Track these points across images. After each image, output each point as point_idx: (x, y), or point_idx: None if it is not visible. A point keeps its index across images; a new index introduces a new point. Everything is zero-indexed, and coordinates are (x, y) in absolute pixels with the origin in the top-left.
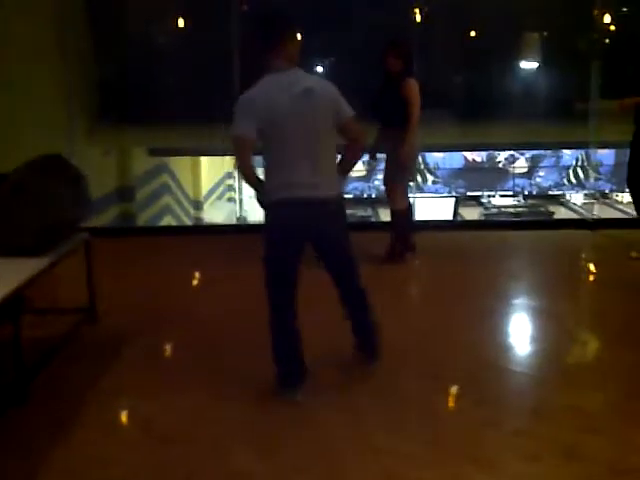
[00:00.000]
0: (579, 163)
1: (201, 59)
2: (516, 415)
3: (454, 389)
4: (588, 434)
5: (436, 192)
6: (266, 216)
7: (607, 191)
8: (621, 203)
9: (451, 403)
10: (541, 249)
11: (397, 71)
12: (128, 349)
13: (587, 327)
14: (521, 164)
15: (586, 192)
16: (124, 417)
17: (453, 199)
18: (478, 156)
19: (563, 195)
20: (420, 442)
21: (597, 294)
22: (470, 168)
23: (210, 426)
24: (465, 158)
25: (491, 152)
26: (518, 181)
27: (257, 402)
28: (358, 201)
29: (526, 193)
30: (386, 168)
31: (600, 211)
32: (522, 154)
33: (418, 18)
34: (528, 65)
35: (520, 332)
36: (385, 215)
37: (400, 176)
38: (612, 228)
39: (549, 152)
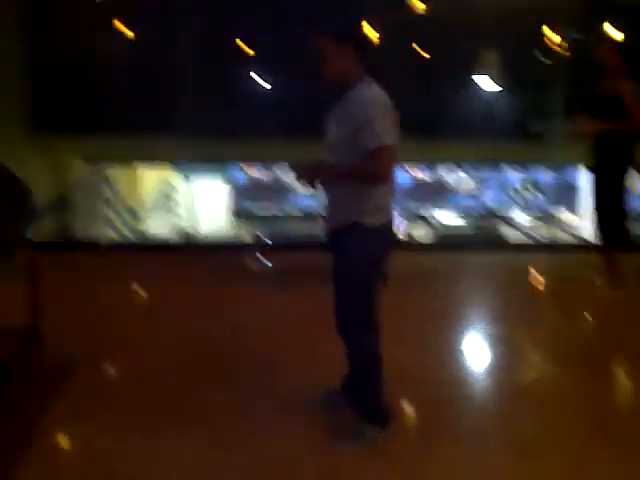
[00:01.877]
0: (524, 183)
1: (149, 67)
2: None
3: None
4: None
5: None
6: (366, 234)
7: (553, 211)
8: (568, 224)
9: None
10: (494, 273)
11: None
12: (76, 380)
13: (545, 354)
14: (467, 183)
15: (533, 212)
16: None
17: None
18: (422, 174)
19: (509, 214)
20: None
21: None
22: (415, 186)
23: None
24: (410, 175)
25: (437, 170)
26: (463, 200)
27: (212, 440)
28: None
29: (472, 212)
30: None
31: (547, 231)
32: (468, 173)
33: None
34: (486, 84)
35: (476, 362)
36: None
37: None
38: (566, 252)
39: (495, 171)
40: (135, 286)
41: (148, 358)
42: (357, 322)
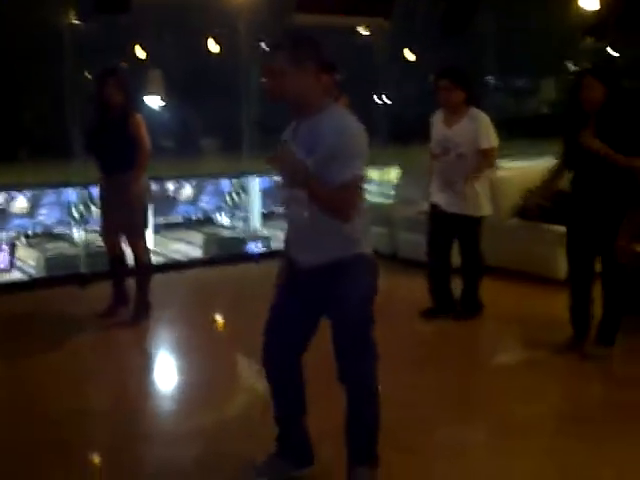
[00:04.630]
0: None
1: None
2: None
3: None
4: None
5: None
6: (366, 264)
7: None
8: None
9: None
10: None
11: (119, 104)
12: None
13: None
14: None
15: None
16: None
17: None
18: None
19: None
20: None
21: None
22: None
23: None
24: None
25: None
26: (20, 221)
27: None
28: None
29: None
30: (115, 218)
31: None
32: (24, 194)
33: None
34: (153, 101)
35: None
36: None
37: (142, 224)
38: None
39: (50, 190)
40: None
41: None
42: (371, 364)
